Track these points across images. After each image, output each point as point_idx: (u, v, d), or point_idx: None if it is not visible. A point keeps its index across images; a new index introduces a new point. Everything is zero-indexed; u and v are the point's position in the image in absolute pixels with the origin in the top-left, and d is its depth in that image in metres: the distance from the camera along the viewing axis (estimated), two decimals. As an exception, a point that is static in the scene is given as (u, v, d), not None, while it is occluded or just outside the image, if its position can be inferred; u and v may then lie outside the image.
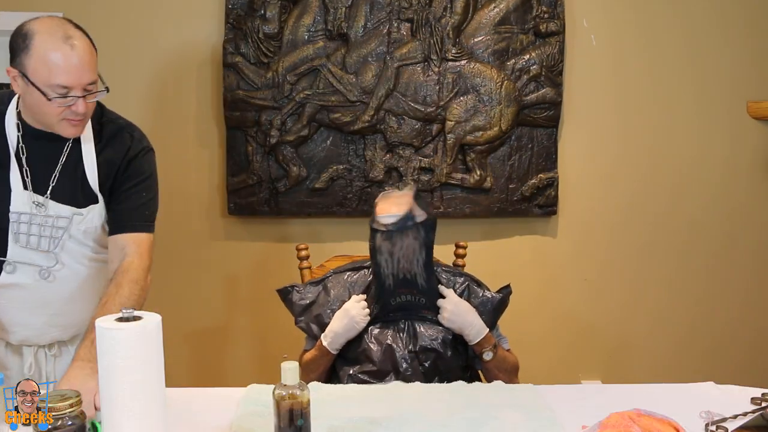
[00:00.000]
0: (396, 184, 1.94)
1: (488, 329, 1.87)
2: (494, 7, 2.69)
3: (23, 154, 1.64)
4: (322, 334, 1.87)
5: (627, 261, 2.89)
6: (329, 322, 1.89)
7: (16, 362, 1.76)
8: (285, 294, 1.98)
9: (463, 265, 2.26)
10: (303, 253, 2.28)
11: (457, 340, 1.89)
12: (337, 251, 2.48)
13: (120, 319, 1.25)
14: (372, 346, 1.86)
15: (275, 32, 2.65)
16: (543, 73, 2.71)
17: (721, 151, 2.85)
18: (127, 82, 2.70)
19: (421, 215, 1.84)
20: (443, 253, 2.35)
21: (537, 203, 2.78)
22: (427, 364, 1.85)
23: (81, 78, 1.54)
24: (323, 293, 1.95)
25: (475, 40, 2.70)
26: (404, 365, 1.84)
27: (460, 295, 1.92)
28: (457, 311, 1.84)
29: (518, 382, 1.90)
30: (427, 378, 1.84)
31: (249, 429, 1.47)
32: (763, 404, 1.56)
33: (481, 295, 1.93)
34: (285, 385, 1.31)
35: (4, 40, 2.74)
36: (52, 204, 1.66)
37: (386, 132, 2.69)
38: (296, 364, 1.31)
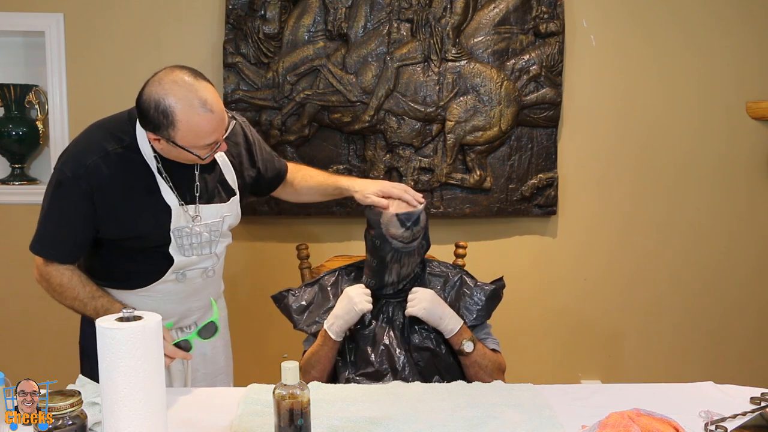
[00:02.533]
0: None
1: (462, 321, 1.87)
2: (494, 7, 2.69)
3: (168, 179, 1.77)
4: (325, 321, 1.87)
5: (627, 261, 2.90)
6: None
7: None
8: (280, 300, 1.98)
9: (463, 265, 2.26)
10: (303, 253, 2.28)
11: None
12: (337, 251, 2.49)
13: (120, 319, 1.26)
14: (369, 348, 1.86)
15: (275, 32, 2.66)
16: (543, 74, 2.71)
17: (721, 151, 2.85)
18: (127, 82, 2.70)
19: (424, 216, 1.88)
20: (443, 253, 2.36)
21: (537, 203, 2.79)
22: (422, 364, 1.86)
23: (222, 130, 1.69)
24: (319, 294, 1.95)
25: (475, 40, 2.70)
26: (401, 365, 1.84)
27: (453, 287, 1.94)
28: (435, 300, 1.84)
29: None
30: (426, 377, 1.85)
31: (249, 429, 1.47)
32: (762, 404, 1.56)
33: (474, 286, 1.94)
34: (285, 385, 1.31)
35: (5, 40, 2.76)
36: (203, 210, 1.82)
37: (386, 132, 2.69)
38: (296, 363, 1.31)
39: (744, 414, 1.51)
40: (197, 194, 1.80)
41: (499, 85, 2.68)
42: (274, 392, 1.32)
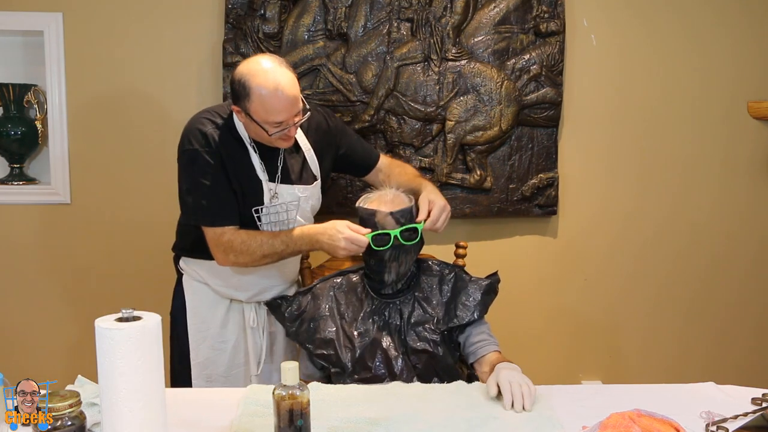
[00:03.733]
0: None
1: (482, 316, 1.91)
2: (494, 7, 2.68)
3: (259, 157, 1.98)
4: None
5: (627, 261, 2.89)
6: (319, 331, 1.89)
7: (236, 318, 2.13)
8: (275, 307, 1.99)
9: (463, 265, 2.25)
10: (303, 253, 2.27)
11: (450, 336, 1.90)
12: (337, 251, 2.48)
13: (120, 319, 1.25)
14: (366, 353, 1.86)
15: (275, 32, 2.65)
16: (543, 73, 2.71)
17: (721, 151, 2.85)
18: (126, 82, 2.70)
19: (416, 208, 1.91)
20: (443, 253, 2.35)
21: (537, 203, 2.78)
22: (420, 366, 1.85)
23: (291, 113, 1.87)
24: (312, 302, 1.95)
25: (475, 40, 2.69)
26: (399, 369, 1.84)
27: (448, 284, 1.94)
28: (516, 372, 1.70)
29: None
30: (424, 380, 1.84)
31: (249, 429, 1.47)
32: (764, 404, 1.56)
33: (468, 281, 1.94)
34: (285, 385, 1.30)
35: (4, 40, 2.76)
36: (283, 189, 2.00)
37: (386, 132, 2.69)
38: (296, 364, 1.31)
39: (745, 415, 1.50)
40: (278, 172, 1.99)
41: (499, 84, 2.68)
42: (274, 392, 1.31)
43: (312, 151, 2.07)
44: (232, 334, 2.11)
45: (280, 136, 1.89)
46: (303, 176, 2.06)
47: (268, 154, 1.99)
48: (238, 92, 1.87)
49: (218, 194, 1.93)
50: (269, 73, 1.83)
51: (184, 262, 2.14)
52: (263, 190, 1.97)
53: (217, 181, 1.93)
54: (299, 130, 2.04)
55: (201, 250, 2.01)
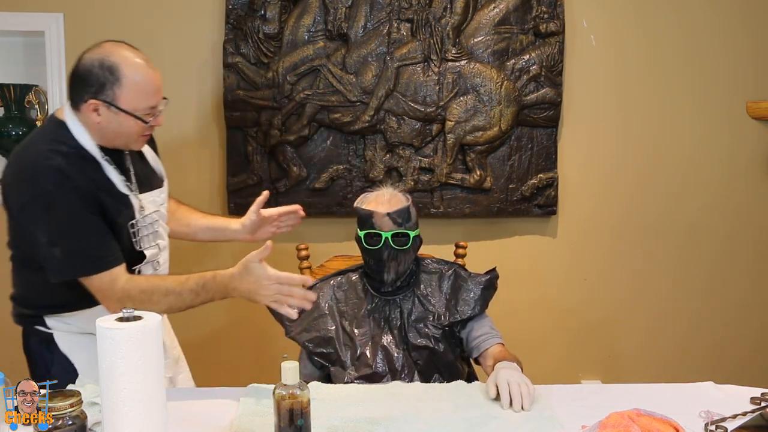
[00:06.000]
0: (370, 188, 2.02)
1: (483, 311, 1.92)
2: (494, 7, 2.69)
3: (116, 170, 1.70)
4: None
5: (626, 261, 2.89)
6: (319, 329, 1.90)
7: None
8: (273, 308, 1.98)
9: (463, 265, 2.26)
10: (303, 253, 2.28)
11: (451, 332, 1.90)
12: (337, 251, 2.48)
13: (120, 319, 1.25)
14: (367, 350, 1.86)
15: (275, 32, 2.65)
16: (543, 74, 2.71)
17: (721, 151, 2.85)
18: (127, 82, 2.70)
19: (414, 210, 1.91)
20: (443, 253, 2.35)
21: (537, 203, 2.79)
22: (421, 363, 1.86)
23: (161, 94, 1.68)
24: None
25: (475, 40, 2.70)
26: (400, 366, 1.84)
27: (448, 281, 1.95)
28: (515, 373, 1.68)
29: None
30: (425, 376, 1.85)
31: (249, 429, 1.47)
32: (763, 404, 1.56)
33: (468, 277, 1.95)
34: (285, 385, 1.31)
35: (5, 40, 2.76)
36: (147, 198, 1.77)
37: (386, 132, 2.69)
38: (296, 364, 1.31)
39: (744, 414, 1.51)
40: (133, 180, 1.74)
41: (499, 85, 2.68)
42: (274, 392, 1.32)
43: (152, 152, 1.88)
44: None
45: (144, 131, 1.68)
46: (155, 182, 1.84)
47: (121, 167, 1.72)
48: (102, 79, 1.59)
49: (95, 233, 1.62)
50: (135, 53, 1.64)
51: (55, 320, 1.76)
52: (132, 204, 1.72)
53: (88, 220, 1.61)
54: None
55: (85, 298, 1.67)
